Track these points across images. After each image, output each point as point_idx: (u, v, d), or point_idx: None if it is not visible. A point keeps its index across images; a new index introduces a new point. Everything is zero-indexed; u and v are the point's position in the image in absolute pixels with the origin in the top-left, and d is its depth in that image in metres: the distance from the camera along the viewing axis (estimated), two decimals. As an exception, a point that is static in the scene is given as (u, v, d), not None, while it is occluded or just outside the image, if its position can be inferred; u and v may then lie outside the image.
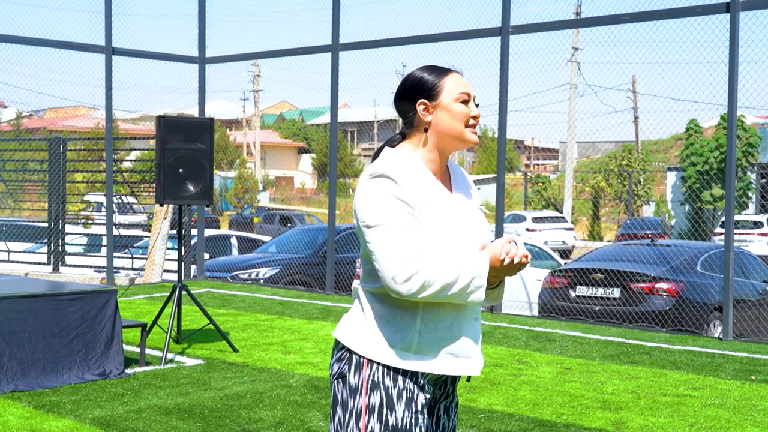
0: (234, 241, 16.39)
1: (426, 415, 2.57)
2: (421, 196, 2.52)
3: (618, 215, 38.08)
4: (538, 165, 66.99)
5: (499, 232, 10.62)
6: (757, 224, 27.48)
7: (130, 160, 19.86)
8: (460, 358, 2.58)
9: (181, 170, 7.94)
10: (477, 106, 2.66)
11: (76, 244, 16.67)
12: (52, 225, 15.11)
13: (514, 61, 10.78)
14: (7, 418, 5.65)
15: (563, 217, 33.11)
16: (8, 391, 6.28)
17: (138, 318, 9.58)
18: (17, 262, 15.66)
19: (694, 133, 32.13)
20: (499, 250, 2.51)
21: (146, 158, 19.35)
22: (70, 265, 15.11)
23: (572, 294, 10.58)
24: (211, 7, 13.65)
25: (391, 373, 2.52)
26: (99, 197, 21.61)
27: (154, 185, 9.36)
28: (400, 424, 2.51)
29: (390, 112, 49.48)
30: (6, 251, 15.77)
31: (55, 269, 14.93)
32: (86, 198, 20.94)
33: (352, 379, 2.54)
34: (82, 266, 14.92)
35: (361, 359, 2.54)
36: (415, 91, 2.62)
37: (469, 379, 2.67)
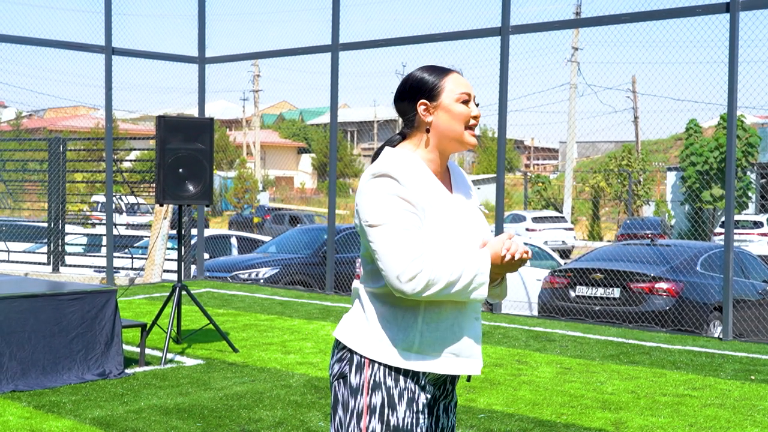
0: (234, 241, 16.40)
1: (426, 415, 2.57)
2: (423, 196, 2.52)
3: (618, 215, 38.08)
4: (538, 165, 66.97)
5: (498, 232, 10.62)
6: (757, 224, 27.49)
7: (130, 160, 19.86)
8: (462, 357, 2.58)
9: (181, 170, 7.94)
10: (477, 106, 2.66)
11: (76, 244, 16.68)
12: (52, 225, 15.11)
13: (514, 61, 10.79)
14: (7, 418, 5.65)
15: (563, 217, 33.11)
16: (8, 391, 6.28)
17: (138, 318, 9.58)
18: (17, 262, 15.66)
19: (694, 133, 32.13)
20: (499, 246, 2.51)
21: (146, 158, 19.36)
22: (70, 265, 15.11)
23: (572, 294, 10.58)
24: (211, 7, 13.66)
25: (393, 373, 2.52)
26: (104, 198, 21.63)
27: (154, 185, 9.36)
28: (401, 425, 2.51)
29: (390, 112, 49.49)
30: (6, 251, 15.77)
31: (55, 269, 14.93)
32: (94, 199, 20.97)
33: (353, 380, 2.54)
34: (82, 266, 14.92)
35: (363, 359, 2.54)
36: (415, 92, 2.62)
37: (469, 378, 2.67)
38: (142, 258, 14.77)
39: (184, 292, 8.22)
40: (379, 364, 2.52)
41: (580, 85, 35.03)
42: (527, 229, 30.45)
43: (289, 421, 5.68)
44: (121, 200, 17.52)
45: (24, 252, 16.16)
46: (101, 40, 12.62)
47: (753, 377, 7.21)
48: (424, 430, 2.55)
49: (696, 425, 5.72)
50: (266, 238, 17.17)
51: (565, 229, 31.53)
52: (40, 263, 15.34)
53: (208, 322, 8.12)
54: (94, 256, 15.72)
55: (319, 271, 13.12)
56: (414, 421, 2.53)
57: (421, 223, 2.50)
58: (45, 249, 15.57)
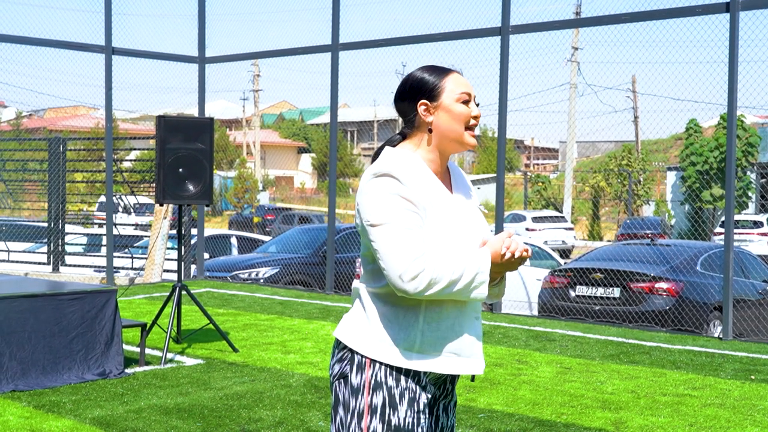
0: (234, 240, 16.40)
1: (427, 415, 2.57)
2: (424, 196, 2.52)
3: (618, 215, 38.08)
4: (537, 165, 66.97)
5: (498, 232, 10.61)
6: (757, 224, 27.50)
7: (130, 160, 19.86)
8: (463, 357, 2.58)
9: (181, 170, 7.95)
10: (477, 105, 2.66)
11: (76, 244, 16.68)
12: (52, 225, 15.11)
13: (514, 61, 10.79)
14: (7, 418, 5.65)
15: (563, 217, 33.11)
16: (8, 391, 6.28)
17: (138, 318, 9.58)
18: (17, 261, 15.66)
19: (693, 132, 32.13)
20: (499, 245, 2.52)
21: (146, 158, 19.36)
22: (70, 265, 15.12)
23: (572, 294, 10.58)
24: (211, 7, 13.66)
25: (394, 373, 2.52)
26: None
27: (154, 185, 9.36)
28: (402, 424, 2.51)
29: (390, 112, 49.48)
30: (6, 251, 15.78)
31: (55, 269, 14.94)
32: (101, 199, 20.96)
33: (354, 380, 2.54)
34: (82, 266, 14.92)
35: (364, 359, 2.54)
36: (415, 92, 2.62)
37: (473, 378, 2.68)
38: (142, 258, 14.78)
39: (184, 292, 8.22)
40: (380, 363, 2.52)
41: (580, 85, 35.05)
42: (527, 229, 30.45)
43: (289, 421, 5.68)
44: (128, 200, 17.49)
45: (24, 252, 16.17)
46: (101, 40, 12.62)
47: (753, 377, 7.22)
48: (425, 430, 2.55)
49: (696, 425, 5.73)
50: (266, 238, 17.19)
51: (565, 228, 31.54)
52: (40, 263, 15.35)
53: (208, 321, 8.12)
54: (94, 255, 15.72)
55: (319, 270, 13.12)
56: (415, 421, 2.53)
57: (422, 222, 2.50)
58: (45, 249, 15.57)
